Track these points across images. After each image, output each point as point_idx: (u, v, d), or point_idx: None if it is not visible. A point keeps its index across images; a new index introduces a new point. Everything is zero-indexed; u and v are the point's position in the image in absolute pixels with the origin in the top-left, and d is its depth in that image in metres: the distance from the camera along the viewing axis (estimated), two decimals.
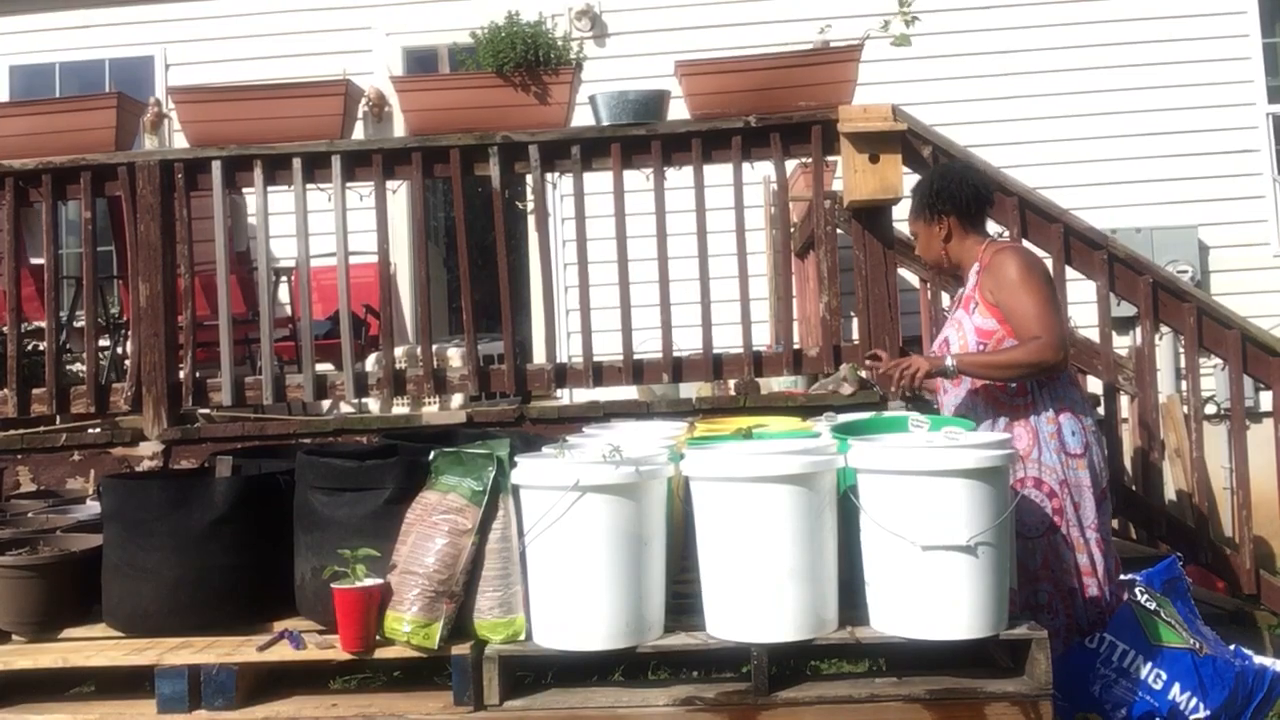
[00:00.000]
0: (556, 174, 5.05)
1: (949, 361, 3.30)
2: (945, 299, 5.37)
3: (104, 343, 5.92)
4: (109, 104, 4.64)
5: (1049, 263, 4.29)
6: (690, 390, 5.62)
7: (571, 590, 2.76)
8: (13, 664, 3.06)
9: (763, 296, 6.67)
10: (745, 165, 4.55)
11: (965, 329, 3.40)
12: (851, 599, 2.87)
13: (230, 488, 3.17)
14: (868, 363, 3.52)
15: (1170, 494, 5.31)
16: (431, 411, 5.28)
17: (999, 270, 3.34)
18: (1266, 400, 5.33)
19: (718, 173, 4.53)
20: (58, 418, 4.91)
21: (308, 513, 3.08)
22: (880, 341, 4.41)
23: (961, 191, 3.49)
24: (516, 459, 2.90)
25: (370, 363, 5.43)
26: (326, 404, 5.73)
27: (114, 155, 4.61)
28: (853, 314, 4.77)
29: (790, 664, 3.02)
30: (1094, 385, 4.80)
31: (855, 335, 4.67)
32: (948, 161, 4.14)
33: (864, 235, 4.46)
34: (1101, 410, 4.53)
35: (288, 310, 6.68)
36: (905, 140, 4.34)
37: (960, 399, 3.45)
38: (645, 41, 7.33)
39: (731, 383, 5.12)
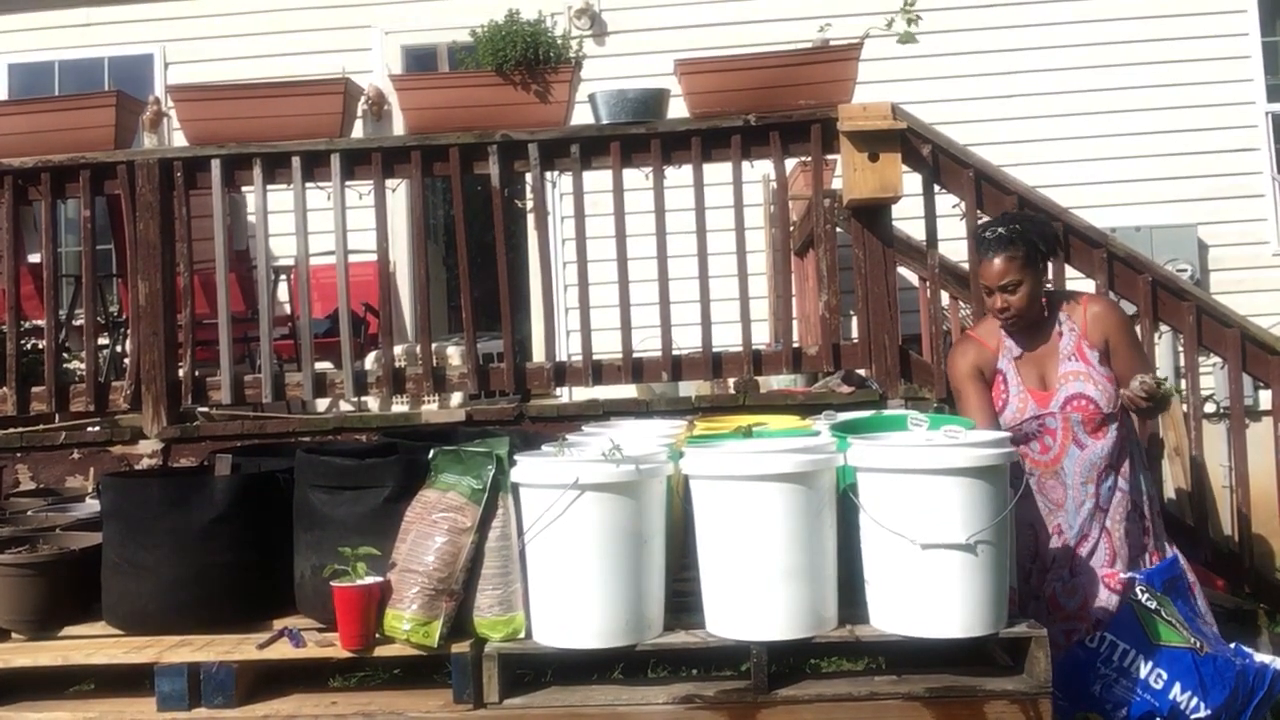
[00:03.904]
0: (556, 172, 5.05)
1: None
2: (945, 298, 5.37)
3: (103, 341, 5.91)
4: (108, 102, 4.64)
5: (1048, 262, 4.31)
6: (690, 389, 5.62)
7: (571, 588, 2.76)
8: (12, 662, 3.06)
9: (762, 295, 6.67)
10: (745, 164, 4.55)
11: (1097, 378, 3.33)
12: (851, 597, 2.87)
13: (230, 486, 3.17)
14: (1149, 384, 3.27)
15: (1170, 493, 5.31)
16: (431, 410, 5.28)
17: (1109, 319, 3.40)
18: (1266, 399, 5.33)
19: (717, 171, 4.53)
20: (57, 416, 4.91)
21: (307, 511, 3.08)
22: (879, 340, 4.41)
23: (1058, 237, 3.64)
24: (516, 457, 2.90)
25: (369, 361, 5.43)
26: (326, 402, 5.73)
27: (113, 154, 4.61)
28: (852, 312, 4.78)
29: (790, 662, 3.02)
30: None
31: (854, 334, 4.67)
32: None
33: (863, 234, 4.46)
34: None
35: (287, 309, 6.68)
36: (905, 139, 4.34)
37: (1109, 449, 3.34)
38: (645, 40, 7.33)
39: (731, 381, 5.12)
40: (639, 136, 4.50)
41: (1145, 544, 3.36)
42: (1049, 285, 3.64)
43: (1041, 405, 3.38)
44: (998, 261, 3.36)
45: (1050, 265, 3.53)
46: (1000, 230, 3.42)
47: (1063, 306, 3.44)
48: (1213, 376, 6.59)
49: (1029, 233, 3.40)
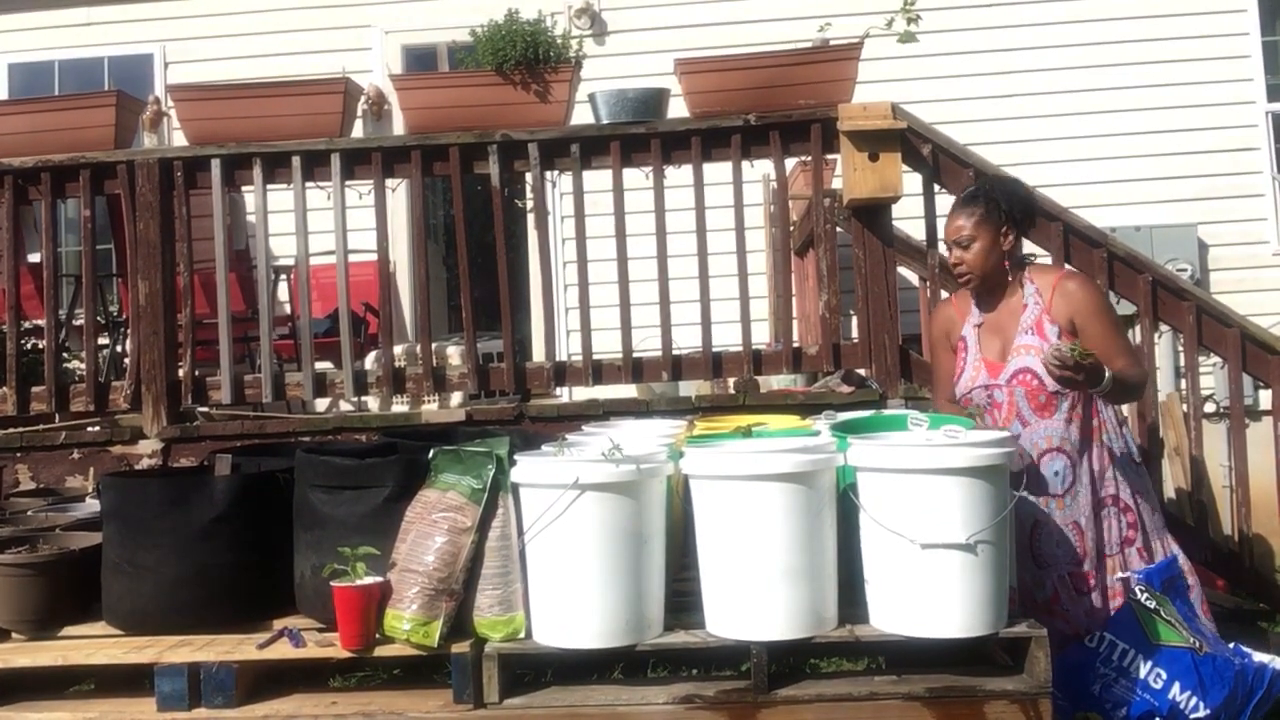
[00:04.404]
0: (556, 172, 5.05)
1: (1109, 372, 3.13)
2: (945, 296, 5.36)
3: (103, 341, 5.92)
4: (108, 102, 4.64)
5: (1049, 260, 4.30)
6: (690, 388, 5.62)
7: (571, 588, 2.76)
8: (12, 662, 3.06)
9: (762, 295, 6.67)
10: (745, 163, 4.55)
11: None
12: (851, 597, 2.87)
13: (230, 486, 3.17)
14: (1063, 352, 3.15)
15: (1170, 492, 5.30)
16: (431, 410, 5.28)
17: (1077, 296, 3.30)
18: (1266, 399, 5.33)
19: (717, 171, 4.53)
20: (57, 416, 4.91)
21: (307, 511, 3.08)
22: (879, 340, 4.41)
23: (1032, 208, 3.50)
24: (516, 457, 2.90)
25: (370, 361, 5.43)
26: (326, 402, 5.73)
27: (113, 153, 4.61)
28: (852, 312, 4.77)
29: (790, 662, 3.02)
30: None
31: (854, 333, 4.67)
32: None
33: (863, 233, 4.46)
34: None
35: (287, 308, 6.68)
36: (905, 139, 4.33)
37: (1056, 430, 3.28)
38: (645, 39, 7.33)
39: (731, 381, 5.12)
40: (639, 136, 4.50)
41: (1131, 538, 3.29)
42: (1035, 259, 3.62)
43: (992, 376, 3.36)
44: (958, 216, 3.43)
45: (1015, 234, 3.40)
46: (970, 190, 3.50)
47: (1036, 279, 3.39)
48: (1213, 376, 6.59)
49: (994, 192, 3.43)
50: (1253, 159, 7.31)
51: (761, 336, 6.45)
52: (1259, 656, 3.19)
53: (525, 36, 4.44)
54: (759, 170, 5.90)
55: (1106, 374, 3.13)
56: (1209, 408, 6.51)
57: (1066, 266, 3.57)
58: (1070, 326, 3.30)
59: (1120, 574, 3.27)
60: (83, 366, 4.80)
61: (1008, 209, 3.39)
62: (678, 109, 4.57)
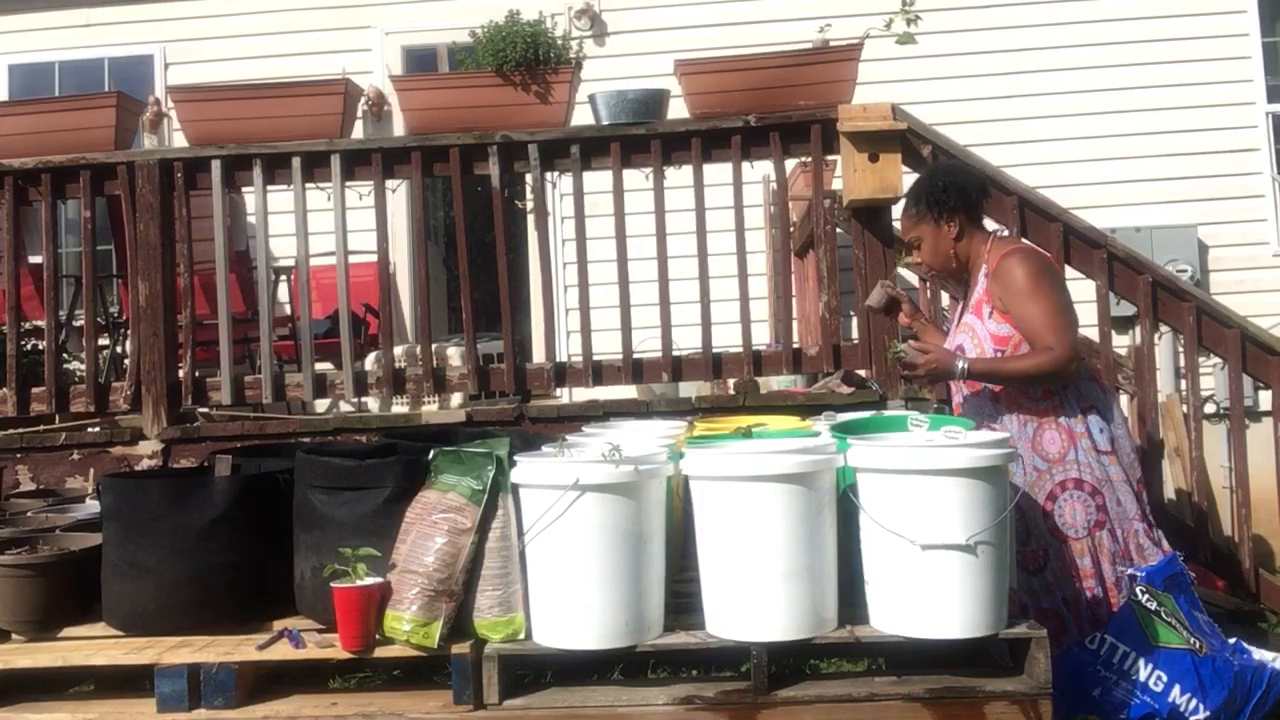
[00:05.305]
0: (556, 173, 5.05)
1: (960, 364, 3.22)
2: (945, 298, 5.37)
3: (103, 342, 5.92)
4: (108, 103, 4.65)
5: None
6: (690, 389, 5.63)
7: (571, 589, 2.76)
8: (12, 663, 3.06)
9: (762, 296, 6.68)
10: (745, 164, 4.55)
11: (980, 335, 3.32)
12: (851, 598, 2.87)
13: (230, 487, 3.17)
14: (911, 343, 3.33)
15: (1170, 493, 5.31)
16: (431, 410, 5.28)
17: (1007, 276, 3.26)
18: (1266, 399, 5.32)
19: (717, 172, 4.53)
20: (57, 417, 4.91)
21: (307, 512, 3.08)
22: (880, 341, 4.41)
23: (967, 186, 3.42)
24: (516, 458, 2.90)
25: (370, 362, 5.43)
26: (326, 403, 5.74)
27: (113, 154, 4.61)
28: (852, 313, 4.78)
29: (790, 663, 3.02)
30: None
31: (855, 334, 4.67)
32: (940, 161, 4.04)
33: (863, 234, 4.46)
34: None
35: (287, 309, 6.68)
36: (905, 139, 4.34)
37: (982, 405, 3.37)
38: (645, 40, 7.34)
39: (731, 382, 5.12)
40: (639, 137, 4.50)
41: (1102, 521, 3.26)
42: (1001, 234, 3.60)
43: None
44: (902, 219, 3.48)
45: (959, 221, 3.37)
46: (909, 190, 3.50)
47: (990, 259, 3.37)
48: (1213, 377, 6.59)
49: (922, 186, 3.44)
50: (1253, 160, 7.31)
51: (761, 337, 6.45)
52: (1258, 654, 3.19)
53: (525, 37, 4.45)
54: (759, 171, 5.91)
55: (958, 366, 3.21)
56: (1209, 408, 6.51)
57: (1016, 244, 3.47)
58: (1002, 307, 3.29)
59: (1087, 557, 3.26)
60: (83, 367, 4.81)
61: (933, 204, 3.39)
62: (678, 110, 4.57)
